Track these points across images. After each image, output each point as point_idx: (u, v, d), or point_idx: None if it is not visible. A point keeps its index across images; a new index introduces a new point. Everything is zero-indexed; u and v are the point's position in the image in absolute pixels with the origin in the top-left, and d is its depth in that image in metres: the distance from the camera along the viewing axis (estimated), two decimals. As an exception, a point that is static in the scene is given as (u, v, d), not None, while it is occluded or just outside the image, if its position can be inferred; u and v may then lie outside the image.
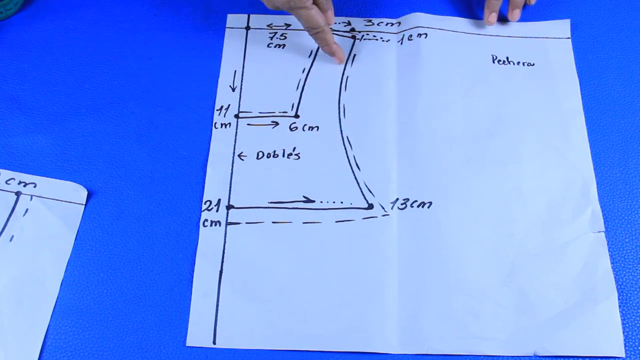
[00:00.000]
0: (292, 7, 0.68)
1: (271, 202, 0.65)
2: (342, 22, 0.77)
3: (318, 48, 0.75)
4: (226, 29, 0.76)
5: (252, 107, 0.71)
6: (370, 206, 0.65)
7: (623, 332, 0.58)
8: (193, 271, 0.62)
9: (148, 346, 0.58)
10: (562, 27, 0.76)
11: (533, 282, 0.60)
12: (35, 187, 0.66)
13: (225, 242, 0.63)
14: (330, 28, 0.76)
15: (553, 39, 0.75)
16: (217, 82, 0.73)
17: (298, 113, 0.70)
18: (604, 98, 0.71)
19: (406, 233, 0.63)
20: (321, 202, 0.65)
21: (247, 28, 0.76)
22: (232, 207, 0.65)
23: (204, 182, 0.66)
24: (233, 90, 0.72)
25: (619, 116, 0.70)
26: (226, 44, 0.75)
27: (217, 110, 0.71)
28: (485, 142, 0.68)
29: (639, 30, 0.76)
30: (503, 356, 0.58)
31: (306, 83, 0.72)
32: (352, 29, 0.76)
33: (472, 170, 0.66)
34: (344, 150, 0.68)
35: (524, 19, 0.77)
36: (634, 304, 0.59)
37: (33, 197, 0.65)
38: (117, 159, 0.68)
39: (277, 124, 0.70)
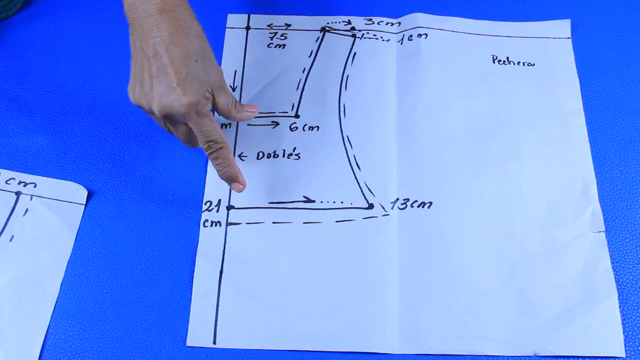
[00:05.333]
0: (198, 114, 0.57)
1: (271, 203, 0.65)
2: (342, 21, 0.77)
3: (318, 48, 0.75)
4: (226, 29, 0.76)
5: (252, 107, 0.71)
6: (371, 206, 0.65)
7: (623, 332, 0.58)
8: (193, 271, 0.62)
9: (148, 346, 0.58)
10: (562, 27, 0.76)
11: (533, 282, 0.60)
12: (35, 187, 0.66)
13: (225, 243, 0.63)
14: (330, 28, 0.76)
15: (553, 39, 0.75)
16: (217, 82, 0.73)
17: (298, 113, 0.70)
18: (604, 98, 0.71)
19: (406, 233, 0.63)
20: (321, 202, 0.65)
21: (247, 28, 0.76)
22: (233, 207, 0.65)
23: (205, 183, 0.66)
24: (233, 90, 0.72)
25: (619, 116, 0.70)
26: (226, 44, 0.75)
27: (217, 110, 0.71)
28: (486, 142, 0.68)
29: (639, 30, 0.76)
30: (503, 356, 0.58)
31: (306, 83, 0.72)
32: (352, 28, 0.76)
33: (472, 170, 0.66)
34: (344, 150, 0.68)
35: (524, 18, 0.77)
36: (634, 304, 0.59)
37: (33, 197, 0.65)
38: (117, 159, 0.68)
39: (277, 124, 0.70)
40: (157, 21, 0.56)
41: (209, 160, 0.62)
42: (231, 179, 0.62)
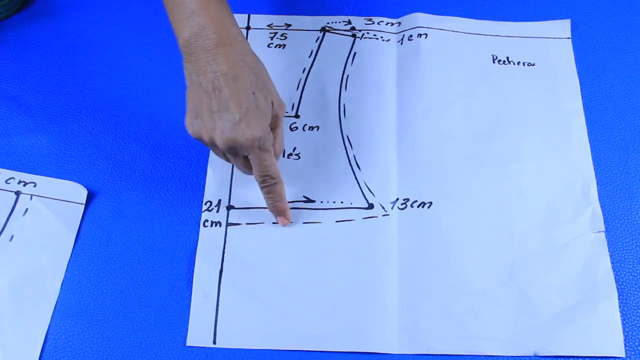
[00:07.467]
0: (260, 148, 0.57)
1: (271, 202, 0.65)
2: (343, 21, 0.77)
3: (318, 48, 0.75)
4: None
5: (252, 107, 0.71)
6: (371, 206, 0.65)
7: (623, 332, 0.58)
8: (193, 271, 0.62)
9: (148, 346, 0.58)
10: (562, 27, 0.76)
11: (533, 282, 0.60)
12: (35, 186, 0.66)
13: (225, 243, 0.63)
14: (330, 28, 0.76)
15: (553, 39, 0.75)
16: (217, 82, 0.73)
17: (298, 113, 0.70)
18: (604, 98, 0.71)
19: (406, 233, 0.63)
20: (321, 202, 0.65)
21: (247, 28, 0.76)
22: (233, 207, 0.65)
23: (205, 183, 0.66)
24: (233, 90, 0.72)
25: (619, 116, 0.70)
26: (226, 44, 0.75)
27: (217, 110, 0.71)
28: (486, 142, 0.68)
29: (639, 30, 0.76)
30: (503, 356, 0.58)
31: (306, 83, 0.72)
32: (353, 28, 0.76)
33: (472, 170, 0.66)
34: (344, 150, 0.68)
35: (524, 18, 0.77)
36: (634, 304, 0.59)
37: (33, 196, 0.65)
38: (117, 159, 0.68)
39: (277, 124, 0.70)
40: (214, 55, 0.56)
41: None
42: (279, 212, 0.63)
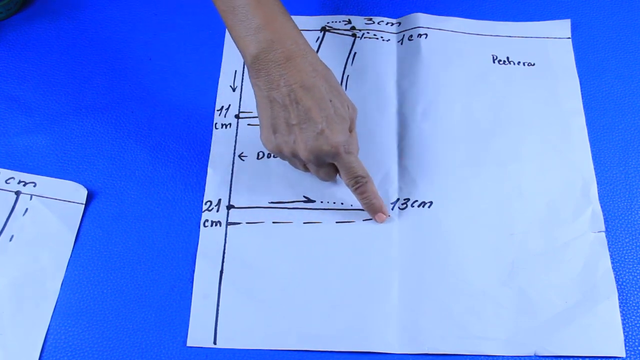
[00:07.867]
0: (346, 152, 0.58)
1: (271, 202, 0.65)
2: (343, 21, 0.77)
3: (318, 48, 0.75)
4: (227, 30, 0.76)
5: (253, 107, 0.70)
6: (371, 206, 0.65)
7: (623, 332, 0.58)
8: (193, 271, 0.62)
9: (148, 346, 0.58)
10: (562, 27, 0.76)
11: (533, 282, 0.60)
12: (35, 186, 0.66)
13: (225, 242, 0.63)
14: (330, 28, 0.76)
15: (553, 39, 0.75)
16: (218, 82, 0.73)
17: (298, 113, 0.70)
18: (604, 98, 0.71)
19: (407, 233, 0.63)
20: (321, 202, 0.65)
21: (247, 28, 0.76)
22: (233, 207, 0.65)
23: (205, 183, 0.66)
24: (233, 90, 0.72)
25: (619, 116, 0.70)
26: (226, 44, 0.75)
27: (218, 110, 0.71)
28: (486, 142, 0.68)
29: (639, 30, 0.76)
30: (503, 356, 0.58)
31: (306, 83, 0.72)
32: (353, 27, 0.76)
33: (472, 170, 0.66)
34: (344, 150, 0.68)
35: (524, 18, 0.77)
36: (634, 304, 0.59)
37: (33, 196, 0.65)
38: (117, 159, 0.68)
39: (277, 124, 0.70)
40: (286, 69, 0.56)
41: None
42: (376, 210, 0.62)
